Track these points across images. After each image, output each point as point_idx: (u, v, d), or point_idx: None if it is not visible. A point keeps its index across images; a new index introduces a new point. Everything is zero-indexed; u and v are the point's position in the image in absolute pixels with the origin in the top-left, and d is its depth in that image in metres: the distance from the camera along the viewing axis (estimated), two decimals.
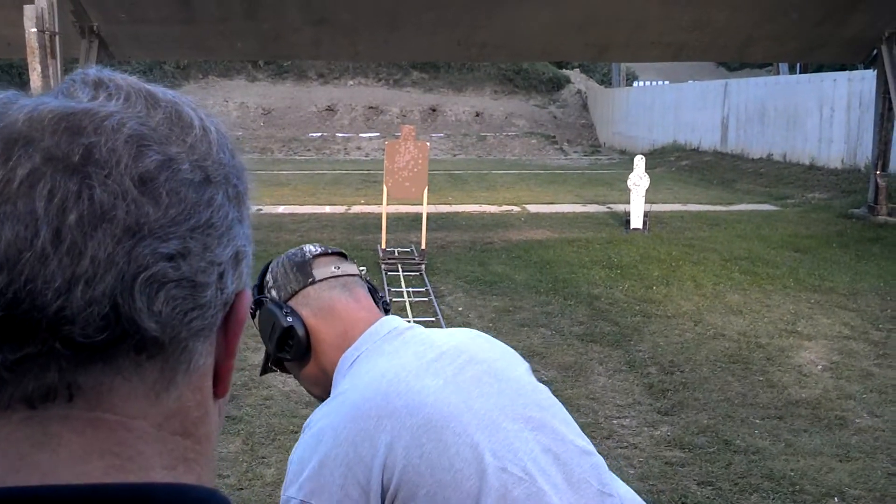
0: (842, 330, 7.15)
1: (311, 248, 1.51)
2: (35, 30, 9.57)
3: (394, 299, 8.10)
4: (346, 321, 1.45)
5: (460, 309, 7.90)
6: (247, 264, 0.58)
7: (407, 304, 7.89)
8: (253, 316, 1.48)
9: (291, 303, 1.45)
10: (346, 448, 1.24)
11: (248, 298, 0.58)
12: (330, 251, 1.51)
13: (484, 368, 1.37)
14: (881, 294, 8.43)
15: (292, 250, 1.53)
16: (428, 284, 8.75)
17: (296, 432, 4.98)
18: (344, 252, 1.53)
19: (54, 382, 0.49)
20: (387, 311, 1.52)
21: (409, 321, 1.54)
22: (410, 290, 8.47)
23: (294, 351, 1.44)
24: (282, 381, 5.88)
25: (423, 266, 9.58)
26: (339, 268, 1.48)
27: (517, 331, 7.11)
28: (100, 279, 0.48)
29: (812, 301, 8.06)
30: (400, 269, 9.41)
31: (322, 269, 1.47)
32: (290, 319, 1.42)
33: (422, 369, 1.33)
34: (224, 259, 0.54)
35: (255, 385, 5.79)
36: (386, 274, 9.23)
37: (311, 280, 1.46)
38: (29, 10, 9.59)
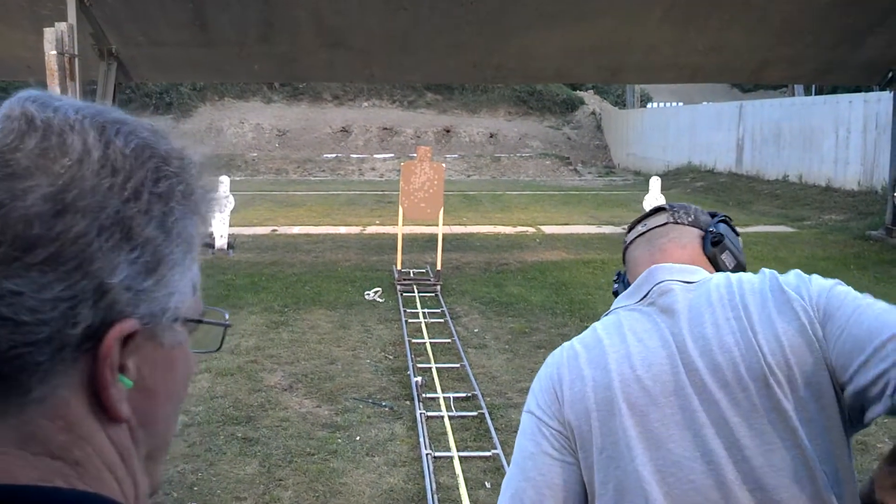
0: None
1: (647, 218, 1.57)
2: (55, 52, 9.65)
3: (409, 320, 8.09)
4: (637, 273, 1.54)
5: (476, 330, 7.88)
6: (126, 291, 0.56)
7: (423, 326, 7.87)
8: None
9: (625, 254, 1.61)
10: None
11: (123, 330, 0.56)
12: (652, 210, 1.58)
13: None
14: None
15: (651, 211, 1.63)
16: (444, 305, 8.74)
17: (312, 454, 4.96)
18: (664, 205, 1.57)
19: None
20: (715, 244, 1.52)
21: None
22: (426, 311, 8.46)
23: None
24: (298, 403, 5.87)
25: (438, 287, 9.58)
26: (645, 224, 1.55)
27: (534, 352, 7.08)
28: None
29: None
30: (415, 290, 9.41)
31: (632, 232, 1.58)
32: (615, 284, 1.60)
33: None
34: (75, 293, 0.53)
35: (271, 407, 5.77)
36: (401, 295, 9.22)
37: (625, 243, 1.59)
38: (49, 33, 9.69)
